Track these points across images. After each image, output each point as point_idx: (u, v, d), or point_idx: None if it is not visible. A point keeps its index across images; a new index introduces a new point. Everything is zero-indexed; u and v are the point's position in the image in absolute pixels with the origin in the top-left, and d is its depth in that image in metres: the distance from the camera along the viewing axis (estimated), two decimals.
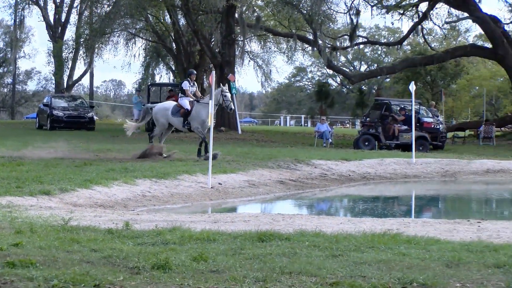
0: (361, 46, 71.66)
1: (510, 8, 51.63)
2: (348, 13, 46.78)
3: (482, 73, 68.43)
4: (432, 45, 59.32)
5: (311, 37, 45.85)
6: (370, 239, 8.81)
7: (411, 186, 23.94)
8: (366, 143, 33.90)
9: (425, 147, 34.45)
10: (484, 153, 34.02)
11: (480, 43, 60.72)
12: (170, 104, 24.27)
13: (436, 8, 49.83)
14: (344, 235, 9.14)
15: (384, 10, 47.51)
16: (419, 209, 18.60)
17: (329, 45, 47.47)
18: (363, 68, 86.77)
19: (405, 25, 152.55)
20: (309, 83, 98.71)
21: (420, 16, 48.32)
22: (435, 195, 22.08)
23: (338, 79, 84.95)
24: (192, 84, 23.64)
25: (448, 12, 51.02)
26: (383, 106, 37.63)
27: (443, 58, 49.18)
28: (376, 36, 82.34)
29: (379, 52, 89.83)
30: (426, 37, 55.38)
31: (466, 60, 61.67)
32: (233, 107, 24.45)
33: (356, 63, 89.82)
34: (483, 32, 50.97)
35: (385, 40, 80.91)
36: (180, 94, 23.95)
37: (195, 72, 26.46)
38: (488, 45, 49.13)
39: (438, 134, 36.88)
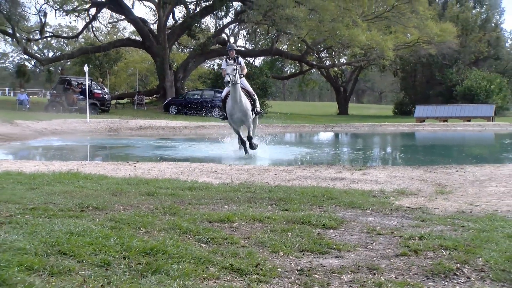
0: (49, 38, 68.55)
1: (154, 13, 52.79)
2: (38, 15, 46.55)
3: (136, 58, 69.03)
4: (100, 39, 59.18)
5: (11, 31, 43.51)
6: (58, 176, 8.63)
7: (87, 138, 23.58)
8: (54, 108, 32.95)
9: (96, 111, 34.49)
10: (137, 115, 34.68)
11: (133, 37, 60.84)
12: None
13: (102, 12, 50.02)
14: (39, 174, 8.87)
15: (64, 13, 46.35)
16: (93, 154, 18.37)
17: (24, 38, 46.18)
18: (51, 54, 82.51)
19: (80, 24, 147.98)
20: (11, 65, 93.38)
21: (91, 18, 48.23)
22: (103, 145, 21.85)
23: (33, 62, 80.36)
24: (232, 61, 14.14)
25: (111, 15, 51.66)
26: (65, 81, 37.33)
27: (107, 48, 49.47)
28: (60, 31, 78.55)
29: (62, 43, 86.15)
30: (95, 32, 55.65)
31: (124, 49, 61.60)
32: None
33: (45, 51, 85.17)
34: (135, 29, 51.41)
35: (66, 34, 77.37)
36: None
37: (232, 46, 15.03)
38: (139, 38, 49.47)
39: (105, 101, 37.32)
